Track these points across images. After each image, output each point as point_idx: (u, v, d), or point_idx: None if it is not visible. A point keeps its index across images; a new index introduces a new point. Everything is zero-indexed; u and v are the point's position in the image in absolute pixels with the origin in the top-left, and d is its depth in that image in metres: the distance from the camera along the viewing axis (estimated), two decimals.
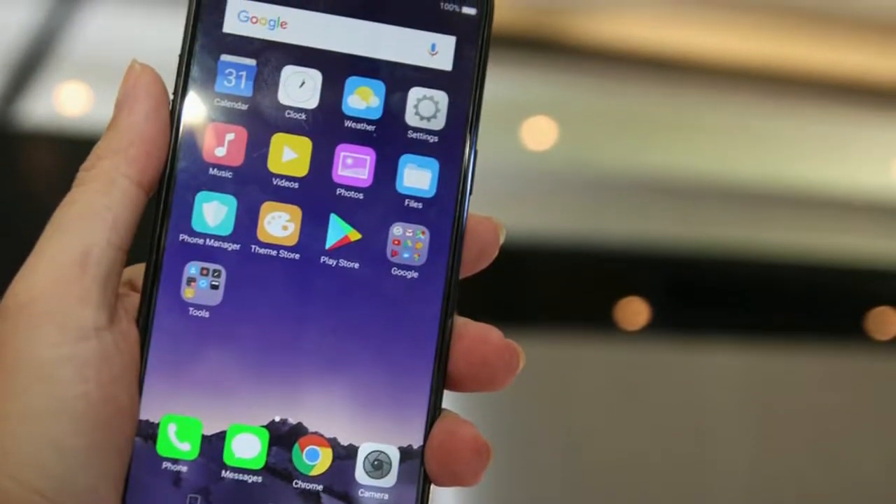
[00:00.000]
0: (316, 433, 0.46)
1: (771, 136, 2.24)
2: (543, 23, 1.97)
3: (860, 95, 2.14)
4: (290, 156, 0.47)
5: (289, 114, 0.48)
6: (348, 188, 0.48)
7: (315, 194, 0.47)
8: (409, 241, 0.48)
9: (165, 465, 0.46)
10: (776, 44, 2.03)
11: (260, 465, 0.46)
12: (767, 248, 2.21)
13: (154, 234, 0.47)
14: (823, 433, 2.04)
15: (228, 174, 0.47)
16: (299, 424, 0.46)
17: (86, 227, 0.45)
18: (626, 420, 2.00)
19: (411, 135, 0.48)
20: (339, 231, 0.47)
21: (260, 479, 0.46)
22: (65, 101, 1.95)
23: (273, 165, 0.47)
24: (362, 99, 0.48)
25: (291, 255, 0.47)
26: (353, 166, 0.48)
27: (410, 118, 0.48)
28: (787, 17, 1.95)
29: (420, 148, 0.48)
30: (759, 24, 1.98)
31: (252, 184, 0.47)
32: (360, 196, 0.48)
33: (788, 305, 2.19)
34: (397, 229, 0.48)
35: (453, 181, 0.48)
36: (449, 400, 0.47)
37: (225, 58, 0.48)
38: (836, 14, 1.93)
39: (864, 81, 2.12)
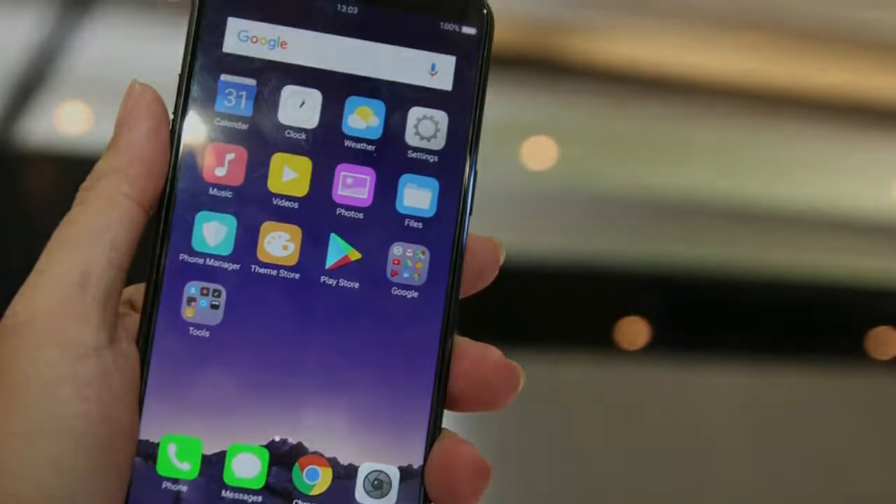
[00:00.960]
0: (316, 453, 0.46)
1: (771, 156, 2.24)
2: (544, 43, 1.98)
3: (861, 116, 2.15)
4: (290, 175, 0.47)
5: (289, 133, 0.48)
6: (348, 208, 0.48)
7: (315, 214, 0.47)
8: (409, 261, 0.47)
9: (165, 484, 0.45)
10: (776, 65, 2.03)
11: (260, 484, 0.46)
12: (768, 268, 2.21)
13: (154, 254, 0.47)
14: (824, 452, 2.04)
15: (228, 194, 0.47)
16: (299, 444, 0.46)
17: (86, 246, 0.45)
18: (626, 439, 2.00)
19: (411, 154, 0.48)
20: (339, 251, 0.47)
21: (260, 498, 0.46)
22: (65, 120, 1.95)
23: (273, 185, 0.47)
24: (362, 119, 0.48)
25: (291, 275, 0.47)
26: (353, 186, 0.48)
27: (410, 138, 0.48)
28: (787, 38, 1.96)
29: (420, 168, 0.48)
30: (759, 45, 1.98)
31: (252, 203, 0.47)
32: (360, 216, 0.47)
33: (789, 325, 2.19)
34: (397, 249, 0.48)
35: (453, 201, 0.48)
36: (449, 420, 0.47)
37: (225, 77, 0.48)
38: (837, 35, 1.94)
39: (864, 102, 2.12)
